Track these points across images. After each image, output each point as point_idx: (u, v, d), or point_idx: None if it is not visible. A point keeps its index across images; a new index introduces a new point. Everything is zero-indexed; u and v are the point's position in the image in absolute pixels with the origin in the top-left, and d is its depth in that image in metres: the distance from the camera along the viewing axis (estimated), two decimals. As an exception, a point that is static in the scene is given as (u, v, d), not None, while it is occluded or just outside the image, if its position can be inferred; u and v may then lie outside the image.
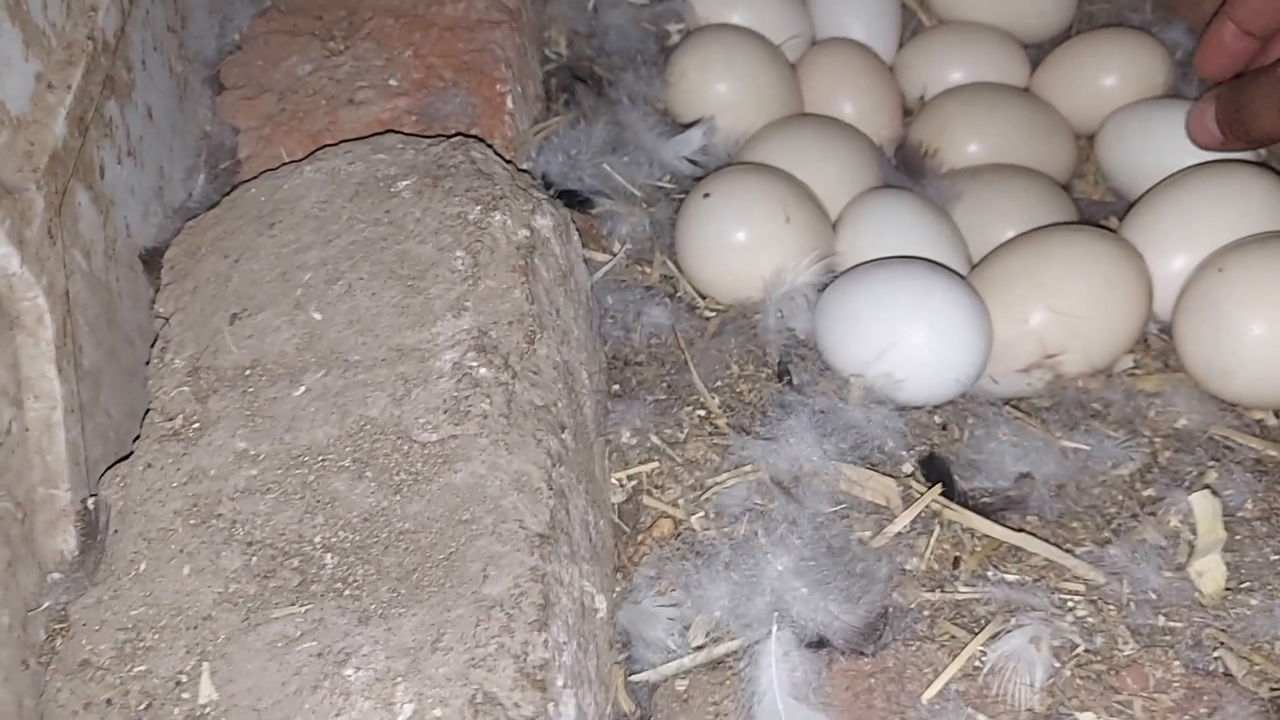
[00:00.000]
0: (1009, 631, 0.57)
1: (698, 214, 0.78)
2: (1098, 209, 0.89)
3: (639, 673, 0.61)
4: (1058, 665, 0.56)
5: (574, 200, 0.81)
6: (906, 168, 0.87)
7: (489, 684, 0.50)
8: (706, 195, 0.78)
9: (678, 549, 0.64)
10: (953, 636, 0.58)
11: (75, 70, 0.66)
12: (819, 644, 0.56)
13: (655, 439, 0.70)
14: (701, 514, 0.66)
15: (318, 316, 0.63)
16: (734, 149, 0.90)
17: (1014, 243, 0.77)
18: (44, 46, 0.64)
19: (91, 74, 0.67)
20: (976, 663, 0.56)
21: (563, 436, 0.62)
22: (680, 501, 0.67)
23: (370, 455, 0.58)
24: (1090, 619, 0.59)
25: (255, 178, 0.72)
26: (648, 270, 0.82)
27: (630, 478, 0.69)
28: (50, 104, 0.63)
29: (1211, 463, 0.67)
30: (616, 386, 0.74)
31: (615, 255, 0.80)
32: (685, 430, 0.71)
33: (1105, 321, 0.73)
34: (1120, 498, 0.68)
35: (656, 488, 0.68)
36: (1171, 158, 0.83)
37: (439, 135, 0.72)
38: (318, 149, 0.72)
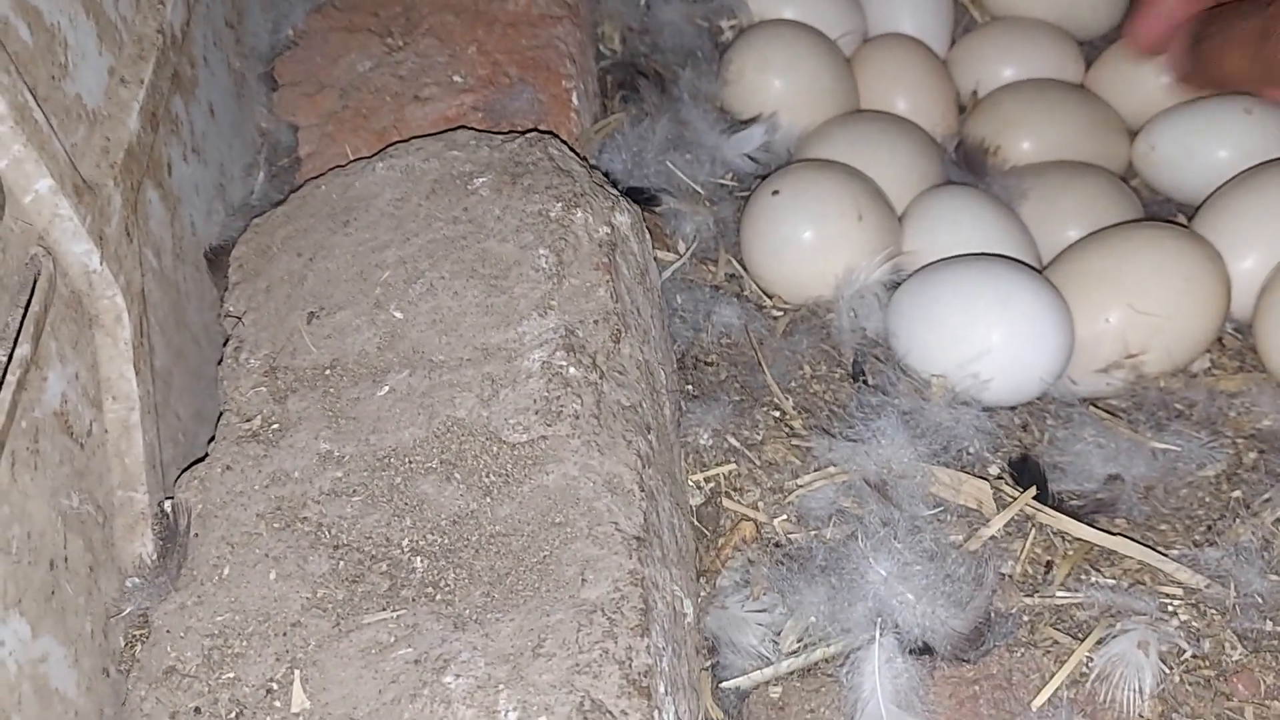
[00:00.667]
0: (1114, 636, 0.55)
1: (765, 211, 0.77)
2: (1162, 206, 0.88)
3: (727, 679, 0.59)
4: (1166, 671, 0.55)
5: (639, 198, 0.79)
6: (969, 164, 0.86)
7: (595, 691, 0.49)
8: (775, 192, 0.77)
9: (764, 552, 0.63)
10: (1056, 642, 0.57)
11: (146, 65, 0.64)
12: (923, 650, 0.55)
13: (733, 440, 0.69)
14: (784, 517, 0.65)
15: (399, 315, 0.62)
16: (794, 145, 0.89)
17: (1091, 240, 0.76)
18: (116, 40, 0.63)
19: (161, 69, 0.66)
20: (1084, 669, 0.55)
21: (649, 437, 0.60)
22: (760, 504, 0.66)
23: (458, 457, 0.57)
24: (1195, 623, 0.57)
25: (323, 174, 0.70)
26: (713, 269, 0.81)
27: (708, 480, 0.68)
28: (124, 99, 0.62)
29: (1303, 464, 0.66)
30: (690, 386, 0.73)
31: (682, 254, 0.79)
32: (762, 432, 0.69)
33: (1186, 320, 0.72)
34: (1208, 499, 0.66)
35: (735, 490, 0.67)
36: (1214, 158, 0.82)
37: (511, 131, 0.71)
38: (386, 146, 0.71)
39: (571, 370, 0.58)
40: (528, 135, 0.69)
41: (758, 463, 0.68)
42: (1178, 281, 0.72)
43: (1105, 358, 0.72)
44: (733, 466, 0.68)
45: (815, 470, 0.66)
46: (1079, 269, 0.74)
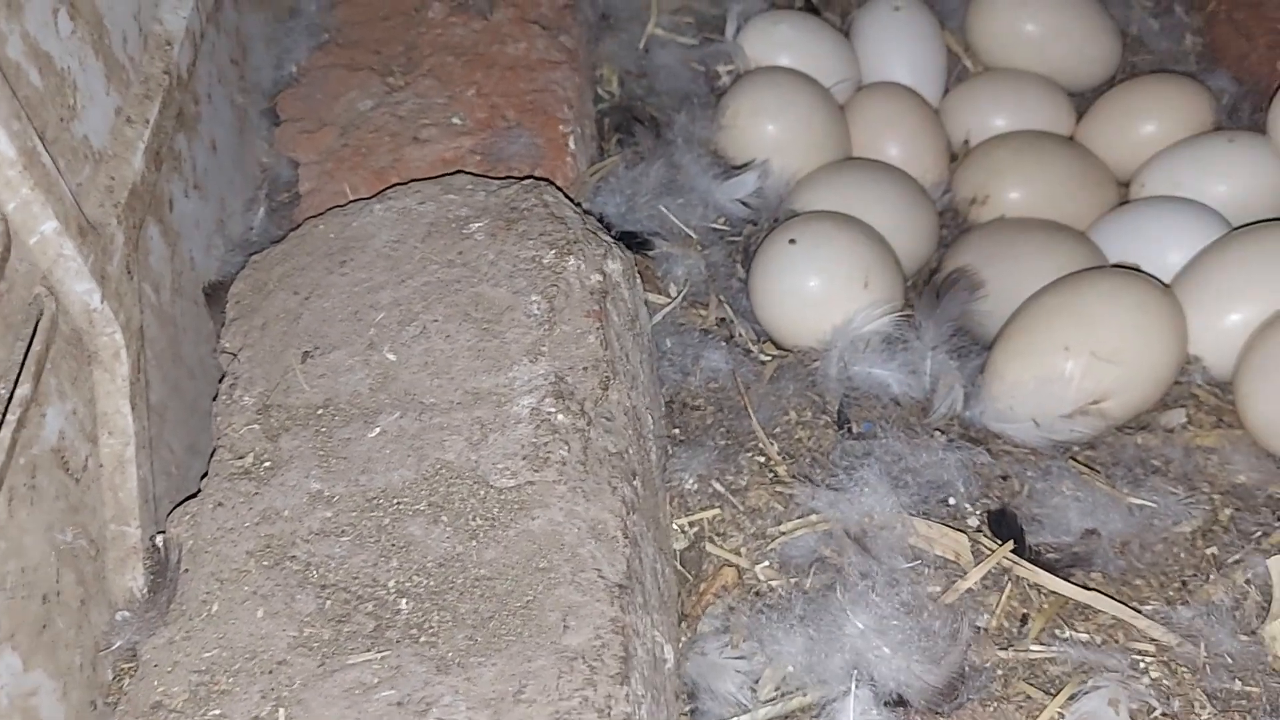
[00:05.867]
0: (1086, 693, 0.56)
1: (778, 257, 0.78)
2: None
3: (706, 725, 0.60)
4: (1136, 728, 0.56)
5: (632, 242, 0.81)
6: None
7: (574, 738, 0.50)
8: (792, 241, 0.78)
9: (744, 599, 0.64)
10: (1028, 697, 0.58)
11: (152, 105, 0.66)
12: (898, 703, 0.56)
13: (717, 485, 0.70)
14: (766, 563, 0.66)
15: (392, 357, 0.63)
16: (785, 191, 0.90)
17: (1051, 288, 0.77)
18: (124, 81, 0.64)
19: (167, 108, 0.67)
20: (1055, 724, 0.56)
21: (634, 484, 0.61)
22: (743, 550, 0.67)
23: (446, 500, 0.58)
24: (1165, 681, 0.59)
25: (322, 214, 0.72)
26: (703, 313, 0.82)
27: (692, 524, 0.69)
28: (129, 138, 0.63)
29: (1277, 522, 0.67)
30: (677, 430, 0.74)
31: (673, 298, 0.80)
32: (746, 477, 0.70)
33: (1146, 366, 0.73)
34: (1183, 555, 0.68)
35: (719, 535, 0.68)
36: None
37: (507, 176, 0.72)
38: (385, 187, 0.72)
39: (560, 417, 0.60)
40: (523, 182, 0.70)
41: (741, 508, 0.69)
42: (1136, 327, 0.73)
43: (1072, 402, 0.73)
44: (717, 511, 0.69)
45: (798, 518, 0.67)
46: (1040, 315, 0.75)
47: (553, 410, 0.60)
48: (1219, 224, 0.83)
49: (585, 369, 0.62)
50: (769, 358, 0.80)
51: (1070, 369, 0.72)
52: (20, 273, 0.53)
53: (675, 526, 0.69)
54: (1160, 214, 0.86)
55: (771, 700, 0.59)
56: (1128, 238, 0.85)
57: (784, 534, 0.66)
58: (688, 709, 0.61)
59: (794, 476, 0.70)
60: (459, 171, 0.72)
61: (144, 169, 0.63)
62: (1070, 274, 0.78)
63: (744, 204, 0.88)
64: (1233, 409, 0.76)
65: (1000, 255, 0.84)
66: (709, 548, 0.67)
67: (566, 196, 0.70)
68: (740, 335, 0.81)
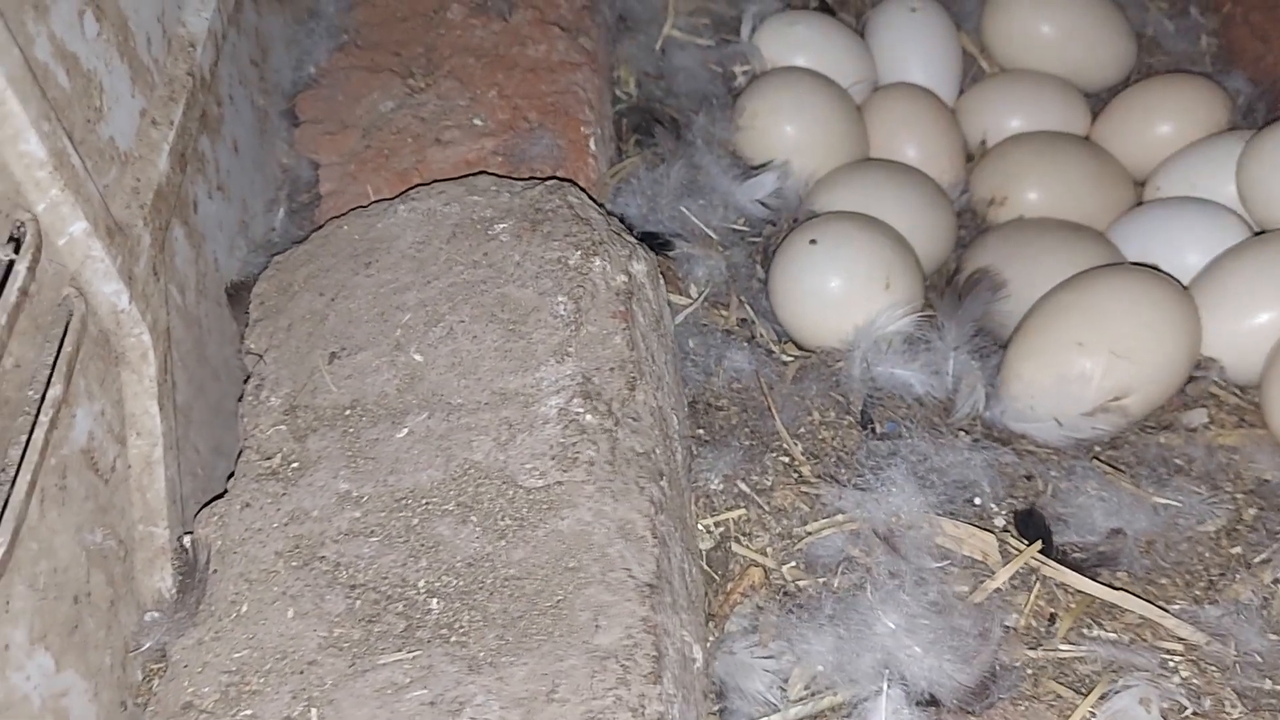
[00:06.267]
0: (1117, 692, 0.56)
1: (799, 258, 0.78)
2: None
3: (735, 725, 0.60)
4: (1168, 728, 0.56)
5: (654, 243, 0.81)
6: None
7: (607, 738, 0.50)
8: (813, 241, 0.78)
9: (772, 599, 0.64)
10: (1059, 696, 0.58)
11: (177, 106, 0.66)
12: (930, 702, 0.56)
13: (743, 485, 0.70)
14: (793, 563, 0.66)
15: (419, 358, 0.63)
16: (804, 191, 0.90)
17: (1067, 285, 0.76)
18: (148, 83, 0.64)
19: (191, 110, 0.67)
20: (1087, 723, 0.56)
21: (661, 484, 0.61)
22: (769, 550, 0.67)
23: (475, 500, 0.58)
24: (1195, 680, 0.58)
25: (345, 214, 0.72)
26: (725, 313, 0.82)
27: (718, 524, 0.69)
28: (154, 140, 0.64)
29: (1302, 522, 0.67)
30: (702, 431, 0.74)
31: (695, 299, 0.80)
32: (771, 477, 0.70)
33: (1162, 362, 0.73)
34: (1208, 555, 0.68)
35: (744, 535, 0.68)
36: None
37: (530, 177, 0.72)
38: (408, 188, 0.72)
39: (588, 417, 0.60)
40: (548, 182, 0.70)
41: (767, 508, 0.69)
42: (1148, 322, 0.73)
43: (1092, 400, 0.72)
44: (742, 511, 0.69)
45: (824, 518, 0.67)
46: (1052, 313, 0.75)
47: (580, 410, 0.60)
48: (1238, 225, 0.83)
49: (612, 369, 0.62)
50: (791, 358, 0.79)
51: (1089, 367, 0.72)
52: (50, 274, 0.53)
53: (701, 527, 0.69)
54: (1179, 215, 0.85)
55: (802, 700, 0.59)
56: (1146, 238, 0.85)
57: (810, 534, 0.66)
58: (716, 708, 0.61)
59: (819, 477, 0.70)
60: (482, 173, 0.72)
61: (169, 170, 0.63)
62: (1080, 272, 0.78)
63: (763, 204, 0.88)
64: (1254, 408, 0.76)
65: (1018, 255, 0.83)
66: (735, 548, 0.67)
67: (590, 197, 0.70)
68: (762, 336, 0.81)
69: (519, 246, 0.66)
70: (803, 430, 0.74)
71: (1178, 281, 0.77)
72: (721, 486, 0.70)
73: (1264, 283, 0.76)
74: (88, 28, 0.59)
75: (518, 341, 0.62)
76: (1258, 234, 0.81)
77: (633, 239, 0.69)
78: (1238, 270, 0.78)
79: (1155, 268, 0.80)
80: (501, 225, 0.67)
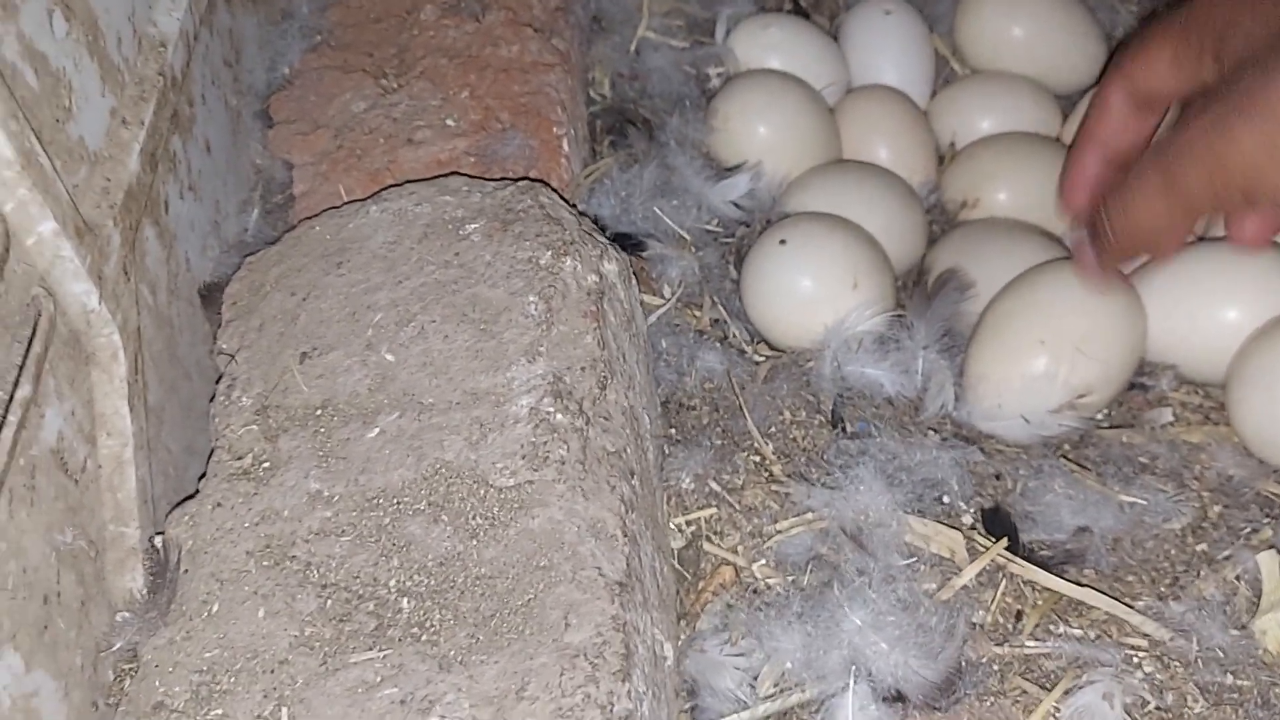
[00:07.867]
0: (1081, 688, 0.57)
1: (769, 258, 0.79)
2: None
3: (705, 722, 0.61)
4: (1130, 722, 0.57)
5: (627, 243, 0.81)
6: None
7: (577, 735, 0.50)
8: (782, 241, 0.78)
9: (742, 597, 0.64)
10: (1024, 692, 0.58)
11: (147, 106, 0.66)
12: (896, 698, 0.57)
13: (714, 484, 0.70)
14: (763, 561, 0.66)
15: (390, 358, 0.63)
16: (778, 193, 0.91)
17: (1020, 281, 0.77)
18: (118, 82, 0.64)
19: (162, 109, 0.67)
20: (1052, 718, 0.57)
21: (633, 482, 0.62)
22: (740, 548, 0.67)
23: (446, 499, 0.58)
24: (1158, 676, 0.59)
25: (317, 215, 0.72)
26: (698, 314, 0.82)
27: (689, 523, 0.69)
28: (124, 140, 0.63)
29: (1266, 519, 0.68)
30: (674, 430, 0.74)
31: (668, 299, 0.81)
32: (742, 476, 0.71)
33: (1110, 350, 0.73)
34: (1173, 552, 0.68)
35: (715, 534, 0.69)
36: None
37: (502, 178, 0.72)
38: (380, 189, 0.72)
39: (559, 416, 0.60)
40: (519, 183, 0.70)
41: (738, 507, 0.69)
42: (1093, 312, 0.73)
43: (1059, 397, 0.73)
44: (713, 510, 0.69)
45: (794, 516, 0.68)
46: (1006, 312, 0.76)
47: (551, 410, 0.60)
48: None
49: (583, 369, 0.62)
50: (763, 358, 0.80)
51: (1051, 363, 0.73)
52: (18, 274, 0.53)
53: (673, 525, 0.70)
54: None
55: (771, 696, 0.60)
56: None
57: (780, 532, 0.67)
58: (688, 706, 0.61)
59: (790, 475, 0.70)
60: (454, 173, 0.72)
61: (140, 170, 0.63)
62: (1028, 269, 0.78)
63: (737, 205, 0.88)
64: (1218, 407, 0.76)
65: (978, 254, 0.84)
66: (706, 546, 0.68)
67: (562, 198, 0.71)
68: (734, 336, 0.81)
69: (490, 246, 0.66)
70: (774, 429, 0.74)
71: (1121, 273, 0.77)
72: (693, 485, 0.70)
73: (1229, 280, 0.77)
74: (57, 27, 0.59)
75: (489, 341, 0.63)
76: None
77: (604, 239, 0.70)
78: (1203, 266, 0.78)
79: None
80: (473, 225, 0.68)
